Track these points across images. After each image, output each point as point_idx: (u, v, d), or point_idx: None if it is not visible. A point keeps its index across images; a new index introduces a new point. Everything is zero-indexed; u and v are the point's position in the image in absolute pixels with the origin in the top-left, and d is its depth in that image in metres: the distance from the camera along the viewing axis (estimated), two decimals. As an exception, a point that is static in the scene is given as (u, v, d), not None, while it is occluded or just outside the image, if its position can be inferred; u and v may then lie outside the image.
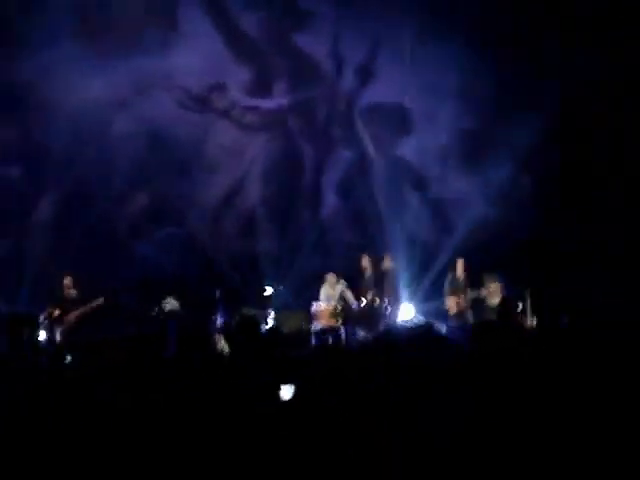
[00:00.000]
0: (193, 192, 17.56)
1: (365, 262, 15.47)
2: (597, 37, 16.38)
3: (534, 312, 15.61)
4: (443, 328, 14.44)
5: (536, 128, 16.84)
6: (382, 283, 15.53)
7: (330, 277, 15.31)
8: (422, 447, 4.86)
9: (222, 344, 14.11)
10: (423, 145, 17.51)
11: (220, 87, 17.69)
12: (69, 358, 12.78)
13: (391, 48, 17.41)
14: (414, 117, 17.75)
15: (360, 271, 15.49)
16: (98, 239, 16.85)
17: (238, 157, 17.84)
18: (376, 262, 15.59)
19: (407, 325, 14.53)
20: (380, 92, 17.81)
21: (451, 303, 15.27)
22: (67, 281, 14.68)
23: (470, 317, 15.17)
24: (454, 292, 15.35)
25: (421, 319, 15.27)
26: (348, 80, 17.90)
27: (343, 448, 5.02)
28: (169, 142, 17.27)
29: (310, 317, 15.39)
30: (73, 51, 16.55)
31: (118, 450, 5.32)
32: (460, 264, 15.46)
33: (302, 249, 17.19)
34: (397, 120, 17.79)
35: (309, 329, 15.27)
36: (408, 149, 17.83)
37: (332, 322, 14.96)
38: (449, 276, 15.49)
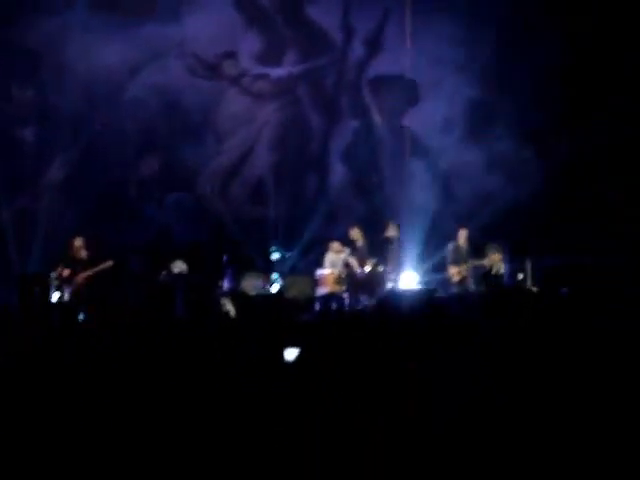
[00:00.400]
0: (203, 158, 17.73)
1: (355, 234, 15.62)
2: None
3: (534, 282, 15.82)
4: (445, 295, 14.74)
5: (540, 100, 17.02)
6: (386, 251, 15.71)
7: (335, 245, 15.48)
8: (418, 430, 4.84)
9: (229, 307, 14.41)
10: (428, 115, 17.62)
11: (231, 55, 17.82)
12: (81, 316, 13.11)
13: (398, 20, 17.49)
14: (420, 88, 17.87)
15: (351, 242, 15.67)
16: (109, 202, 17.02)
17: (247, 124, 17.96)
18: (383, 229, 15.78)
19: (409, 291, 14.86)
20: (387, 63, 17.92)
21: (453, 272, 15.46)
22: (78, 242, 14.74)
23: (472, 286, 15.39)
24: (456, 261, 15.50)
25: (424, 287, 15.54)
26: (357, 51, 18.00)
27: (342, 419, 5.06)
28: (180, 108, 17.41)
29: (315, 283, 15.61)
30: (87, 17, 16.75)
31: (126, 410, 5.37)
32: (463, 233, 15.60)
33: (309, 216, 17.34)
34: (403, 91, 17.90)
35: (314, 294, 15.50)
36: (414, 119, 17.95)
37: (336, 288, 15.18)
38: (451, 245, 15.61)
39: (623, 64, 16.75)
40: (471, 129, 17.48)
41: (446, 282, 15.59)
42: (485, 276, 15.62)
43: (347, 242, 15.57)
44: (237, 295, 15.33)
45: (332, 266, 15.35)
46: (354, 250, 15.52)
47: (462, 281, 15.41)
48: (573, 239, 16.11)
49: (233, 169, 17.95)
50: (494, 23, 17.09)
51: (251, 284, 16.10)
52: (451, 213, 17.01)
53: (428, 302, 6.33)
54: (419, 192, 17.57)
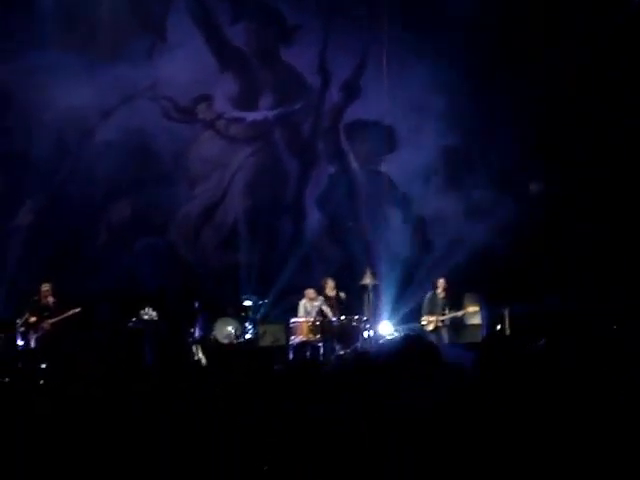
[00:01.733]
0: (175, 203, 17.50)
1: (327, 286, 15.39)
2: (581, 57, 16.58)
3: (512, 333, 15.71)
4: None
5: (518, 148, 17.02)
6: (361, 299, 15.56)
7: (309, 292, 15.31)
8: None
9: (200, 355, 14.14)
10: (406, 162, 17.52)
11: (206, 98, 17.68)
12: (44, 365, 12.79)
13: (377, 65, 17.44)
14: (398, 134, 17.79)
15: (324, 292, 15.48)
16: (77, 247, 16.75)
17: (221, 169, 17.79)
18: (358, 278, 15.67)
19: (389, 340, 14.63)
20: (365, 108, 17.84)
21: (428, 321, 15.35)
22: (45, 288, 14.56)
23: (446, 336, 15.28)
24: (431, 311, 15.43)
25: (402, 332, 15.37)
26: (333, 95, 17.91)
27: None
28: (152, 152, 17.20)
29: (289, 331, 15.39)
30: (56, 59, 16.51)
31: (90, 459, 5.25)
32: (441, 283, 15.52)
33: (283, 262, 17.14)
34: (381, 137, 17.82)
35: (287, 343, 15.27)
36: (391, 166, 17.85)
37: (310, 337, 14.95)
38: (429, 294, 15.55)
39: (598, 111, 16.81)
40: (449, 176, 17.41)
41: (421, 331, 15.46)
42: (460, 327, 15.61)
43: (321, 290, 15.40)
44: (209, 343, 15.10)
45: (307, 314, 15.15)
46: (327, 299, 15.39)
47: (436, 330, 15.31)
48: (552, 285, 16.06)
49: (206, 214, 17.71)
50: (473, 70, 17.08)
51: (223, 332, 15.87)
52: (428, 261, 16.86)
53: (418, 350, 6.08)
54: (396, 239, 17.44)
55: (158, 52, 17.19)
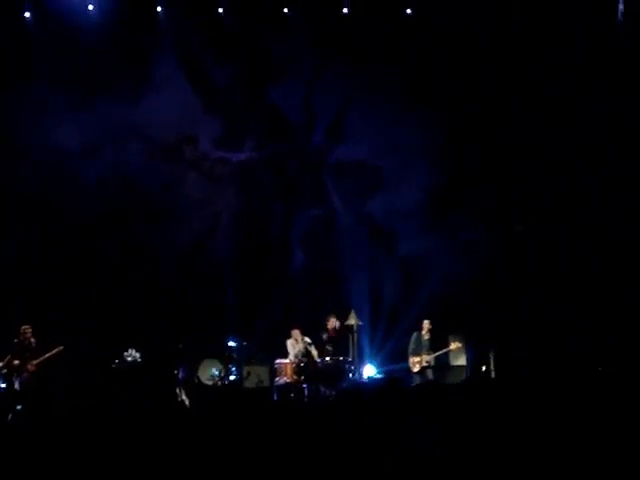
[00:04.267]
0: (161, 242, 17.40)
1: (295, 335, 15.37)
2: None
3: (497, 374, 15.73)
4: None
5: (502, 189, 17.14)
6: (346, 340, 15.54)
7: (295, 332, 15.27)
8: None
9: (183, 397, 14.05)
10: (391, 202, 17.54)
11: (191, 139, 17.71)
12: (18, 407, 12.70)
13: (361, 106, 17.53)
14: (383, 174, 17.82)
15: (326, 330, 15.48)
16: (61, 286, 16.63)
17: (207, 208, 17.78)
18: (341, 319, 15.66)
19: (372, 381, 14.64)
20: (350, 149, 17.89)
21: (413, 361, 15.37)
22: (26, 329, 14.43)
23: (431, 376, 15.27)
24: (416, 352, 15.44)
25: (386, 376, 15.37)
26: (318, 136, 17.98)
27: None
28: (137, 191, 17.17)
29: (273, 372, 15.34)
30: (43, 93, 16.53)
31: None
32: (426, 324, 15.54)
33: (268, 303, 17.10)
34: (366, 177, 17.86)
35: (272, 384, 15.21)
36: (376, 206, 17.87)
37: (295, 378, 14.89)
38: (414, 335, 15.55)
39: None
40: (433, 215, 17.40)
41: (406, 372, 15.45)
42: (445, 368, 15.63)
43: (324, 326, 15.45)
44: (192, 385, 15.00)
45: (294, 354, 15.09)
46: (330, 336, 15.38)
47: (422, 371, 15.34)
48: (541, 323, 16.07)
49: (191, 254, 17.64)
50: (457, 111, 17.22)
51: (207, 373, 15.81)
52: (412, 301, 16.82)
53: (392, 390, 6.12)
54: (380, 279, 17.41)
55: (144, 91, 17.17)
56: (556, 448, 5.36)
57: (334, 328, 15.52)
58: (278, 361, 15.23)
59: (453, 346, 15.70)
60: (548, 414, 6.06)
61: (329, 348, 15.30)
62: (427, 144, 17.17)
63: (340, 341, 15.47)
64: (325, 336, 15.45)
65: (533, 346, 15.60)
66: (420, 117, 17.14)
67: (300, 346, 15.13)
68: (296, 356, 15.10)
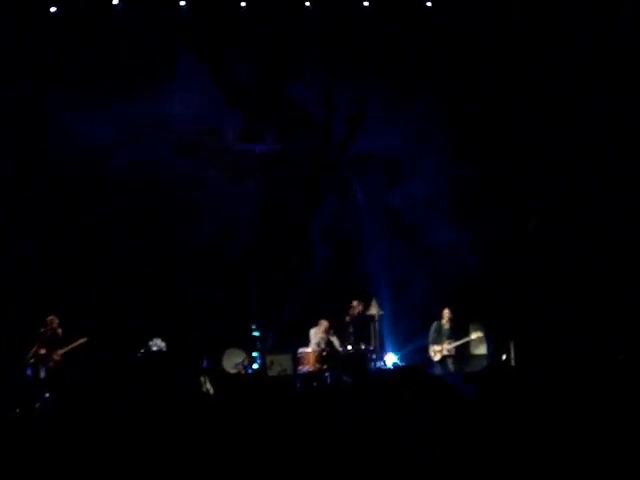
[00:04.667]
0: (184, 235, 17.49)
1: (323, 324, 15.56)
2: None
3: (517, 363, 15.77)
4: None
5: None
6: (368, 329, 15.66)
7: (323, 322, 15.42)
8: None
9: (208, 386, 14.21)
10: (411, 193, 17.61)
11: (213, 132, 17.81)
12: (47, 395, 12.91)
13: (381, 98, 17.60)
14: (403, 166, 17.89)
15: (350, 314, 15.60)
16: (85, 278, 16.77)
17: (230, 200, 17.87)
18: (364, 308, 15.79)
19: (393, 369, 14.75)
20: (370, 141, 17.98)
21: (434, 351, 15.51)
22: (53, 319, 14.67)
23: (452, 365, 15.37)
24: (437, 341, 15.55)
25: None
26: (338, 128, 18.09)
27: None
28: (161, 186, 17.26)
29: (296, 361, 15.48)
30: (64, 96, 16.65)
31: None
32: (446, 313, 15.63)
33: (289, 293, 17.21)
34: (387, 169, 17.94)
35: (295, 373, 15.35)
36: (396, 197, 17.94)
37: (317, 367, 15.03)
38: (434, 324, 15.66)
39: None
40: (455, 207, 17.46)
41: (428, 361, 15.55)
42: (466, 357, 15.71)
43: (350, 311, 15.63)
44: (216, 374, 15.16)
45: (317, 343, 15.22)
46: (353, 319, 15.57)
47: (442, 360, 15.43)
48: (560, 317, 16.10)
49: (214, 246, 17.75)
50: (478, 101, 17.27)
51: (231, 362, 15.95)
52: (433, 291, 16.88)
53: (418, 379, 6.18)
54: (401, 270, 17.48)
55: (165, 87, 17.22)
56: (569, 444, 5.40)
57: (358, 313, 15.68)
58: (301, 350, 15.38)
59: (474, 335, 15.79)
60: (564, 406, 6.10)
61: (351, 331, 15.44)
62: (446, 136, 17.28)
63: (363, 326, 15.62)
64: (348, 318, 15.59)
65: (551, 337, 15.63)
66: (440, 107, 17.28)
67: (322, 335, 15.27)
68: (318, 344, 15.25)
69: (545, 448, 5.28)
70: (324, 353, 15.14)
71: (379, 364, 15.52)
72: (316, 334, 15.42)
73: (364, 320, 15.69)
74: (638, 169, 16.49)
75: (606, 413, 5.81)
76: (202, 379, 14.29)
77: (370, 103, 17.90)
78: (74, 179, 16.86)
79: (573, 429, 5.54)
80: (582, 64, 16.63)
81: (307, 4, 17.21)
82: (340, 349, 15.27)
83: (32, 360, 14.45)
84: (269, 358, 16.17)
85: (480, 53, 17.14)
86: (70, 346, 14.56)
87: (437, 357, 15.43)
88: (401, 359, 16.37)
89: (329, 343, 15.24)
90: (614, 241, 16.54)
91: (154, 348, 15.12)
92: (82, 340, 14.64)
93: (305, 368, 15.12)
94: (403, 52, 17.41)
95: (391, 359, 16.28)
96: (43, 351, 14.46)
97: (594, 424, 5.59)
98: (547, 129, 16.90)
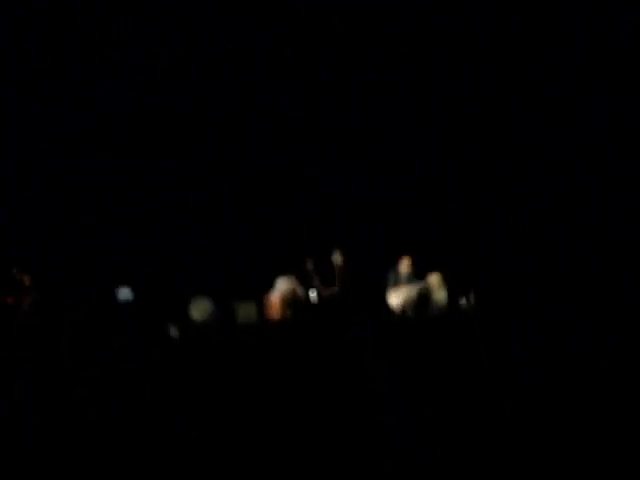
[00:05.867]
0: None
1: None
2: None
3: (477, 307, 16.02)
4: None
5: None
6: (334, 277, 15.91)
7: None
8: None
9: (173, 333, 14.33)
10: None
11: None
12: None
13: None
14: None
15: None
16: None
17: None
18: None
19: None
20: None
21: (393, 299, 15.72)
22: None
23: (410, 311, 15.65)
24: (396, 284, 15.80)
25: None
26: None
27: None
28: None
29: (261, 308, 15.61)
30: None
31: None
32: (405, 260, 15.88)
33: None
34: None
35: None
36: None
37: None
38: (392, 271, 15.94)
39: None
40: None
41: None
42: (423, 301, 15.91)
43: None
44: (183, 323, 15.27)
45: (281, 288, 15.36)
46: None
47: (403, 308, 15.66)
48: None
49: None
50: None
51: (199, 311, 16.02)
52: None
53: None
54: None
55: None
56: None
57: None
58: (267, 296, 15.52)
59: (433, 279, 15.98)
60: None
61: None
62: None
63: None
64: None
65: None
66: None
67: (286, 283, 15.43)
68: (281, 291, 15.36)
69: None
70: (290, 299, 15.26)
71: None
72: (282, 281, 15.54)
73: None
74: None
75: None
76: (168, 326, 14.37)
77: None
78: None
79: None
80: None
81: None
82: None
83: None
84: (236, 305, 16.28)
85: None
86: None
87: (395, 301, 15.66)
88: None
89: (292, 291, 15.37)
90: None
91: (120, 297, 15.17)
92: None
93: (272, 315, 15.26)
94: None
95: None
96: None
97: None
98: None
